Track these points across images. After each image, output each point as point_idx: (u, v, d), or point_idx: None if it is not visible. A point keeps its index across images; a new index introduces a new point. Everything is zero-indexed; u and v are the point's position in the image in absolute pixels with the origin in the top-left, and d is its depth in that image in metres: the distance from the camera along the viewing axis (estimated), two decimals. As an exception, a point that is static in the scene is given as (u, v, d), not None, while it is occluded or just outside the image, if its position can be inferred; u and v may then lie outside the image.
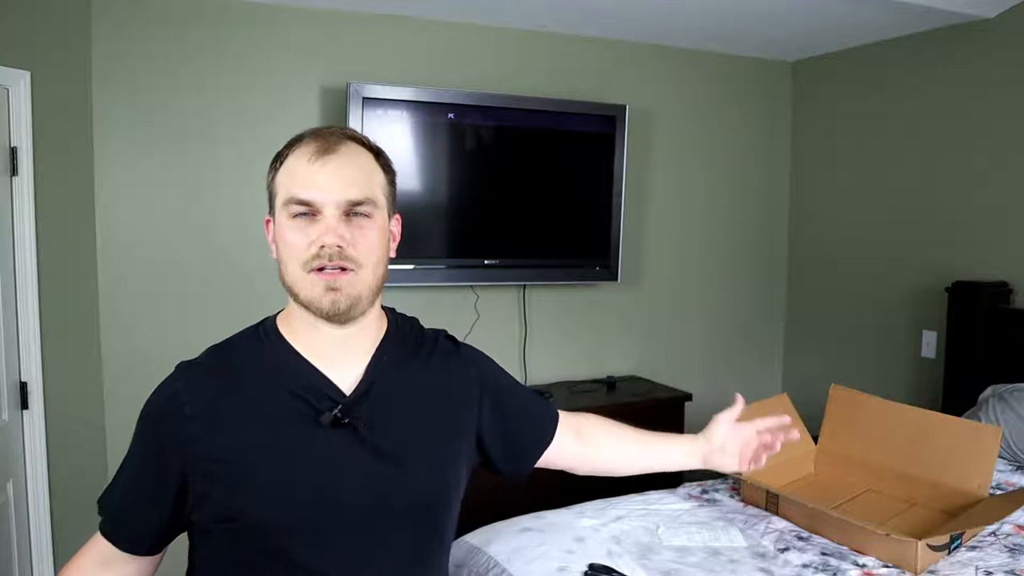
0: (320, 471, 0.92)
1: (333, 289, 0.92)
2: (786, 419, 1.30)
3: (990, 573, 1.61)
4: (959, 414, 2.38)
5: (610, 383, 3.23)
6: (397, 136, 2.79)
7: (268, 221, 0.99)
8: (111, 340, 2.62)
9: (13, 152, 2.14)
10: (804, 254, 3.69)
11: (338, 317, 0.93)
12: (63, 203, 2.40)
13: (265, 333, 1.00)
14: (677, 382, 3.36)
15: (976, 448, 1.92)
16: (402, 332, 1.06)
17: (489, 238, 2.98)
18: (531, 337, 3.21)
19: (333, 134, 0.96)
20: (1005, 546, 1.75)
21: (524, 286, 3.17)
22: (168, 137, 2.65)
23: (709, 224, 3.58)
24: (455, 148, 2.92)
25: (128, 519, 0.97)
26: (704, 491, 2.17)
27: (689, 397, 3.11)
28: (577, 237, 3.13)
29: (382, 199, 0.97)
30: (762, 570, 1.66)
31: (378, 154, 1.00)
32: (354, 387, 0.96)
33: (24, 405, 2.21)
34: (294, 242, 0.92)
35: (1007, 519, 1.85)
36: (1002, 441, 2.05)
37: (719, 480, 2.23)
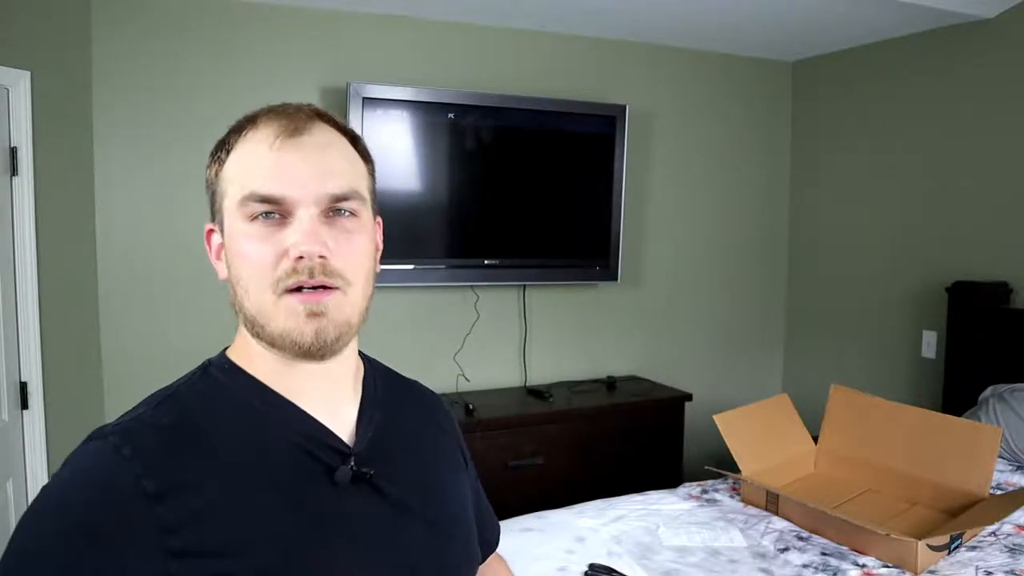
0: (352, 545, 0.70)
1: (316, 314, 0.68)
2: None
3: (990, 573, 1.61)
4: (959, 414, 2.39)
5: (610, 383, 3.23)
6: (397, 136, 2.79)
7: (211, 231, 0.75)
8: (111, 340, 2.62)
9: (13, 152, 2.14)
10: (804, 254, 3.69)
11: (322, 351, 0.70)
12: (63, 203, 2.39)
13: (225, 374, 0.73)
14: (677, 382, 3.36)
15: (976, 448, 1.92)
16: (377, 369, 0.86)
17: (489, 238, 2.98)
18: (531, 337, 3.21)
19: (300, 110, 0.72)
20: (1005, 546, 1.75)
21: (524, 286, 3.17)
22: (168, 137, 2.65)
23: (709, 224, 3.58)
24: (455, 148, 2.91)
25: None
26: (704, 491, 2.17)
27: (689, 397, 3.11)
28: (577, 237, 3.13)
29: (367, 195, 0.75)
30: (762, 570, 1.67)
31: (355, 139, 0.76)
32: (353, 432, 0.75)
33: (24, 405, 2.21)
34: (257, 255, 0.68)
35: (1007, 519, 1.85)
36: (1002, 441, 2.06)
37: (719, 480, 2.24)
